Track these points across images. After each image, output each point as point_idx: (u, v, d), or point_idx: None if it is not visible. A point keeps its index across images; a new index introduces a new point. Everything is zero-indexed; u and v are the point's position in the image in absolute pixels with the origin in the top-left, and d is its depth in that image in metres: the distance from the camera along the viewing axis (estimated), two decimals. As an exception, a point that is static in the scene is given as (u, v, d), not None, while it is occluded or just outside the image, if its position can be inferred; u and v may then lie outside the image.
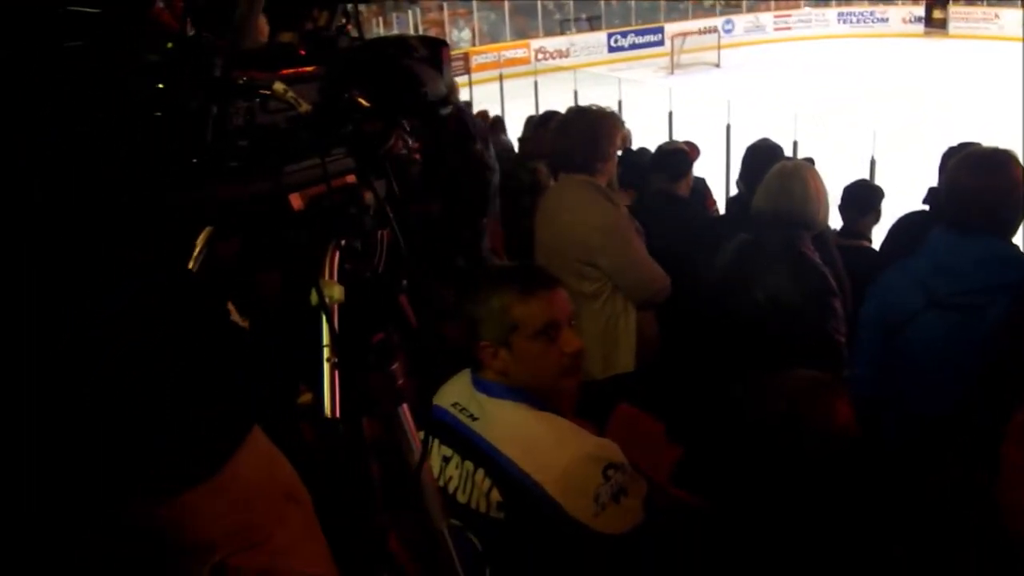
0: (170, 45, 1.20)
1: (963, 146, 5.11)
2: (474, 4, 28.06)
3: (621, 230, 4.31)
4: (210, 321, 0.84)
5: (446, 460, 2.38)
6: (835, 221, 5.45)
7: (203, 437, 0.90)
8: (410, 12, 25.47)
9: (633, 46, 30.02)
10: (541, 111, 13.54)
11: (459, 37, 27.34)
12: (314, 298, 1.25)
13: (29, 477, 0.84)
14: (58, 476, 0.84)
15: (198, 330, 0.85)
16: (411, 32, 25.52)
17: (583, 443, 2.31)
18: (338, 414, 1.30)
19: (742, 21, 33.00)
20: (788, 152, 7.25)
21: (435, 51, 1.49)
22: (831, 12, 35.10)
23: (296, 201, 1.27)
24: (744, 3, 33.91)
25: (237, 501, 0.92)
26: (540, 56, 27.74)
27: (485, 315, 2.41)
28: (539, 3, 29.46)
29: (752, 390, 2.76)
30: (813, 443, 2.46)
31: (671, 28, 29.97)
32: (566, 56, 28.16)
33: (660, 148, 6.54)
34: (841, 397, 2.56)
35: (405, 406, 1.50)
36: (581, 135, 4.32)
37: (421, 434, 1.54)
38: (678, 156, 6.13)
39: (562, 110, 6.37)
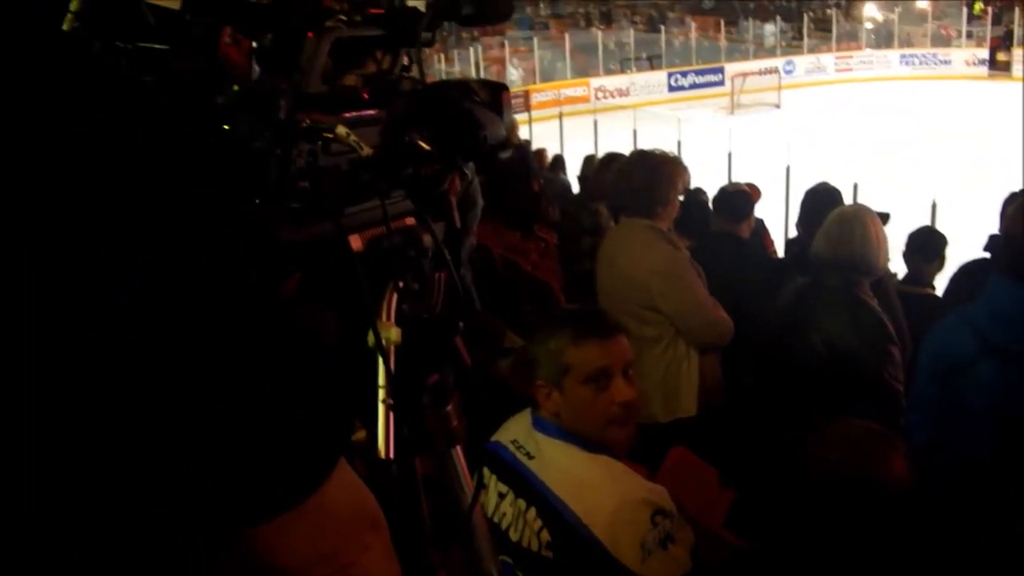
0: (236, 88, 1.22)
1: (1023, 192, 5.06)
2: (535, 42, 28.22)
3: (682, 274, 4.30)
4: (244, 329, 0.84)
5: (501, 496, 2.39)
6: (899, 267, 5.41)
7: (298, 462, 0.92)
8: (471, 49, 25.69)
9: (693, 86, 30.01)
10: (600, 150, 13.56)
11: (519, 74, 27.49)
12: (371, 339, 1.26)
13: (29, 477, 0.84)
14: (57, 477, 0.84)
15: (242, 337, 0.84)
16: (472, 68, 25.72)
17: (633, 488, 2.31)
18: (392, 455, 1.30)
19: (803, 62, 32.90)
20: (848, 194, 7.20)
21: (496, 95, 1.50)
22: (893, 54, 34.91)
23: (356, 242, 1.28)
24: (805, 44, 33.82)
25: (327, 526, 0.95)
26: (600, 95, 27.79)
27: (542, 355, 2.43)
28: (600, 42, 29.57)
29: (807, 437, 2.74)
30: (866, 494, 2.44)
31: (731, 68, 29.93)
32: (626, 95, 28.19)
33: (723, 189, 6.51)
34: (896, 448, 2.53)
35: (459, 447, 1.51)
36: (643, 179, 4.33)
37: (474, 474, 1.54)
38: (741, 198, 6.10)
39: (621, 149, 6.40)
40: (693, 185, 8.50)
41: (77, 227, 0.81)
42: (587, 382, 2.41)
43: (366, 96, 1.34)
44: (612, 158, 6.45)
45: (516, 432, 2.49)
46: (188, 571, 0.88)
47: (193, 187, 0.83)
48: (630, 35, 31.10)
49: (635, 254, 4.34)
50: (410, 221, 1.39)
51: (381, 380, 1.29)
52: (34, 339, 0.80)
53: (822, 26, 34.87)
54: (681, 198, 4.55)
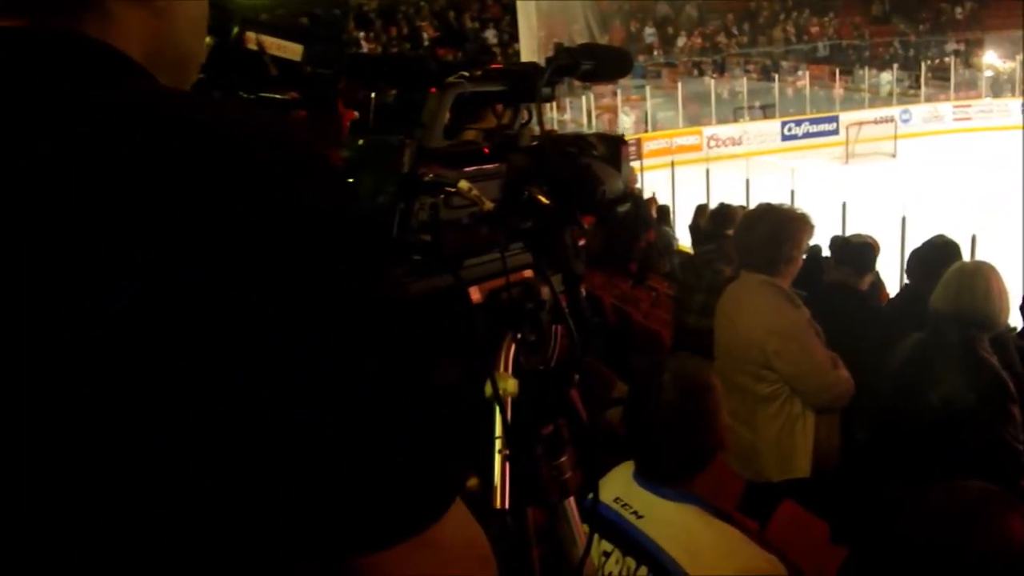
0: (361, 142, 1.25)
1: None
2: (647, 90, 28.25)
3: (800, 335, 4.20)
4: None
5: (606, 555, 2.38)
6: (1016, 322, 5.27)
7: (420, 489, 0.89)
8: (584, 98, 25.81)
9: (807, 135, 29.70)
10: (712, 199, 13.50)
11: (631, 123, 27.52)
12: (489, 390, 1.27)
13: (28, 478, 0.83)
14: (57, 477, 0.83)
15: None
16: (584, 117, 25.84)
17: (750, 556, 2.29)
18: (507, 505, 1.31)
19: (920, 111, 32.37)
20: (966, 245, 7.05)
21: (614, 149, 1.52)
22: (1014, 103, 34.11)
23: (475, 294, 1.30)
24: (922, 92, 33.31)
25: (443, 558, 0.91)
26: (712, 143, 27.69)
27: (718, 408, 2.47)
28: (712, 90, 29.49)
29: (922, 498, 2.68)
30: (984, 557, 2.37)
31: (846, 117, 29.57)
32: (739, 144, 28.03)
33: (845, 240, 6.39)
34: (1016, 510, 2.46)
35: (571, 499, 1.51)
36: (768, 233, 4.23)
37: (585, 527, 1.54)
38: (865, 250, 5.96)
39: (733, 199, 6.37)
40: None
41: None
42: None
43: (487, 151, 1.36)
44: (726, 211, 6.41)
45: (617, 490, 2.47)
46: (189, 572, 0.86)
47: (195, 188, 0.82)
48: (743, 84, 30.97)
49: (753, 311, 4.26)
50: (528, 273, 1.40)
51: (497, 431, 1.30)
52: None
53: (940, 74, 34.32)
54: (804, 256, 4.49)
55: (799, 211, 4.44)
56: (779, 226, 4.25)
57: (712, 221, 6.43)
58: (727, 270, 5.75)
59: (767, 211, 4.40)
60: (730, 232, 5.99)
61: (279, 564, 0.86)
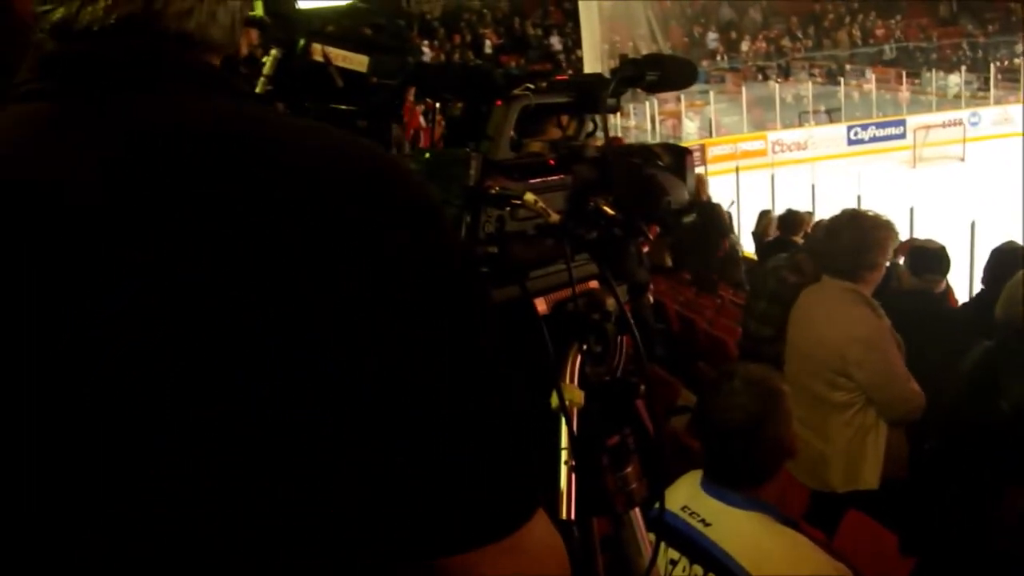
0: (427, 155, 1.26)
1: None
2: (711, 95, 28.11)
3: (882, 344, 4.16)
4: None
5: (673, 563, 2.37)
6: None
7: (508, 492, 0.89)
8: (647, 103, 25.74)
9: (873, 139, 29.33)
10: (778, 205, 13.38)
11: (695, 128, 27.40)
12: (555, 401, 1.28)
13: (28, 478, 0.84)
14: (57, 477, 0.84)
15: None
16: (647, 123, 25.78)
17: (818, 565, 2.27)
18: (573, 516, 1.31)
19: (989, 114, 31.82)
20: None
21: (679, 159, 1.52)
22: (1088, 105, 33.55)
23: (541, 305, 1.30)
24: (992, 95, 32.79)
25: (527, 562, 0.91)
26: (777, 148, 27.47)
27: (788, 415, 2.46)
28: (777, 95, 29.27)
29: (994, 507, 2.65)
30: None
31: (914, 121, 29.18)
32: (804, 149, 27.76)
33: (917, 246, 6.31)
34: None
35: (637, 509, 1.51)
36: (853, 240, 4.20)
37: (651, 536, 1.53)
38: (938, 255, 5.89)
39: (799, 204, 6.32)
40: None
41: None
42: None
43: (552, 162, 1.37)
44: (794, 216, 6.35)
45: (684, 499, 2.46)
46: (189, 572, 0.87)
47: (193, 188, 0.83)
48: (808, 87, 30.70)
49: (835, 318, 4.21)
50: (594, 284, 1.41)
51: (563, 441, 1.30)
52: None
53: (1009, 76, 33.75)
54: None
55: (884, 218, 4.38)
56: (866, 233, 4.21)
57: (780, 227, 6.37)
58: (792, 277, 5.70)
59: (853, 217, 4.35)
60: (797, 238, 5.94)
61: (298, 564, 0.86)
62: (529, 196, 1.21)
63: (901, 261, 6.12)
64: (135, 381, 0.80)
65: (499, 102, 1.31)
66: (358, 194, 0.85)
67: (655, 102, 25.98)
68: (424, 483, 0.85)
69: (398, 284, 0.85)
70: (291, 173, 0.85)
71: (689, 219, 1.47)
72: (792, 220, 6.25)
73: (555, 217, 1.22)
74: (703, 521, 2.37)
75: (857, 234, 4.20)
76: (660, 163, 1.48)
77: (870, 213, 4.40)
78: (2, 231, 0.84)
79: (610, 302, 1.38)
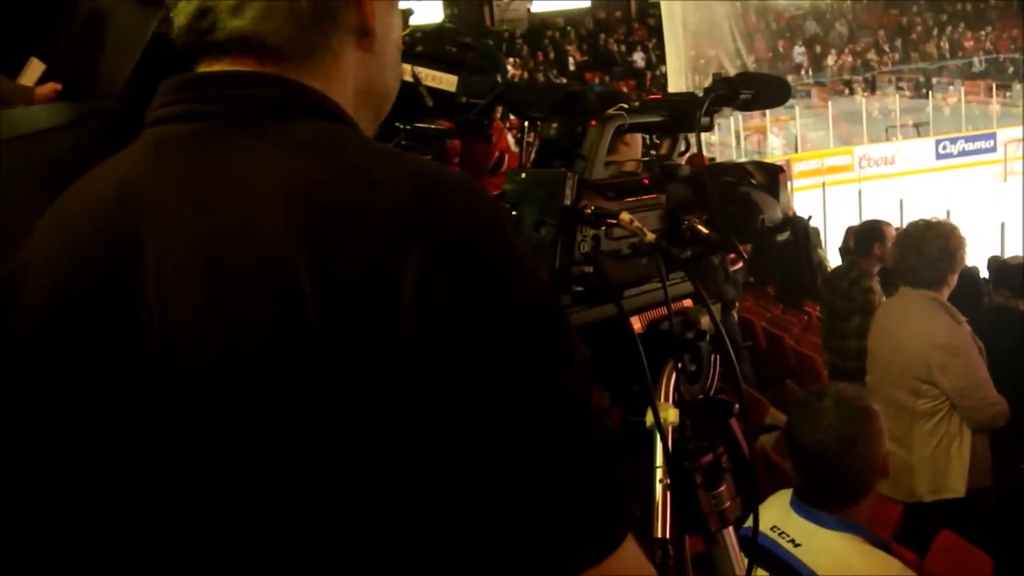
0: (523, 175, 1.28)
1: None
2: (796, 110, 27.83)
3: (965, 349, 4.20)
4: None
5: (762, 583, 2.35)
6: None
7: (598, 519, 0.90)
8: (731, 119, 25.57)
9: (962, 153, 28.75)
10: (864, 220, 13.18)
11: (780, 144, 27.14)
12: (650, 420, 1.28)
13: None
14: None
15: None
16: (732, 138, 25.59)
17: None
18: (667, 535, 1.32)
19: (1084, 127, 31.13)
20: None
21: (772, 177, 1.51)
22: None
23: (636, 324, 1.31)
24: (1086, 107, 32.06)
25: None
26: (864, 163, 27.11)
27: (880, 433, 2.44)
28: (863, 109, 28.90)
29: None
30: None
31: (1004, 134, 28.59)
32: (891, 163, 27.34)
33: (1002, 262, 6.23)
34: None
35: (730, 529, 1.50)
36: (935, 248, 4.25)
37: (743, 556, 1.53)
38: (1017, 272, 5.83)
39: (886, 219, 6.21)
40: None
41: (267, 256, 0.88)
42: None
43: (646, 181, 1.38)
44: (875, 227, 6.24)
45: (774, 519, 2.44)
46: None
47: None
48: (895, 101, 30.28)
49: (916, 326, 4.27)
50: (688, 303, 1.41)
51: (658, 460, 1.30)
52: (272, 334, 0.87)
53: (1105, 88, 32.97)
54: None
55: (952, 225, 4.45)
56: (946, 240, 4.27)
57: (858, 238, 6.26)
58: (876, 287, 5.66)
59: (928, 228, 4.38)
60: (877, 248, 5.89)
61: None
62: (624, 215, 1.21)
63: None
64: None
65: (594, 122, 1.32)
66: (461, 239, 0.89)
67: (740, 117, 25.76)
68: (515, 514, 0.87)
69: (497, 330, 0.87)
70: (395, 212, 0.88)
71: (783, 237, 1.46)
72: (876, 229, 6.11)
73: (650, 236, 1.22)
74: (792, 541, 2.35)
75: (935, 243, 4.26)
76: (753, 181, 1.48)
77: (941, 221, 4.47)
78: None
79: (704, 320, 1.38)
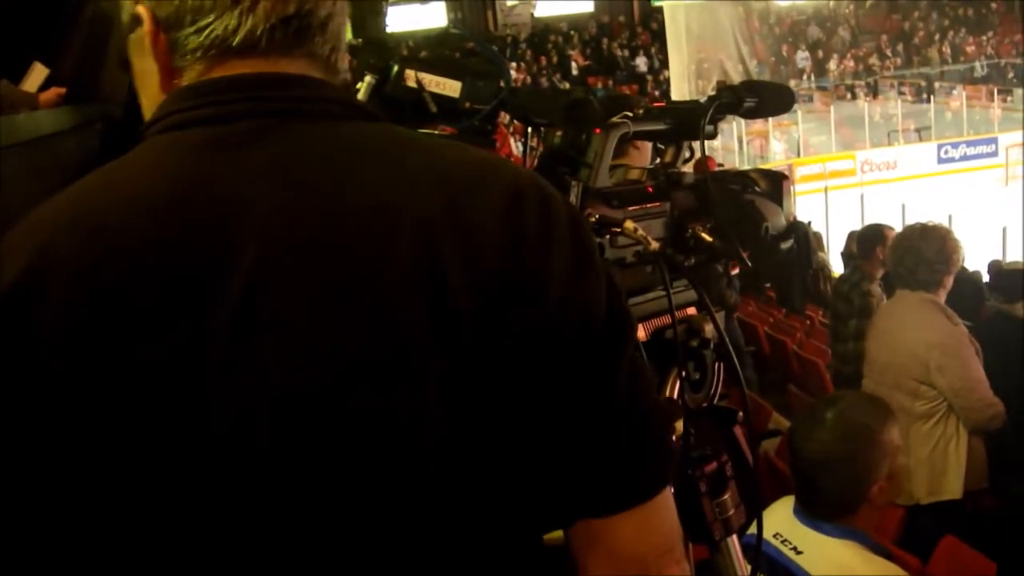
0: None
1: None
2: (799, 115, 27.81)
3: (962, 350, 4.22)
4: None
5: (766, 590, 2.35)
6: None
7: (645, 466, 1.01)
8: (734, 124, 25.56)
9: (964, 157, 28.69)
10: (866, 224, 13.17)
11: (782, 148, 27.11)
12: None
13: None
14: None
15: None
16: (734, 143, 25.59)
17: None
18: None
19: (1087, 132, 31.06)
20: None
21: (776, 184, 1.51)
22: None
23: (640, 332, 1.31)
24: (1090, 111, 32.00)
25: (653, 542, 1.02)
26: (866, 168, 27.07)
27: (880, 454, 2.41)
28: (866, 114, 28.87)
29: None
30: None
31: (1006, 139, 28.54)
32: (893, 168, 27.30)
33: (998, 267, 6.25)
34: None
35: (734, 537, 1.50)
36: (932, 251, 4.28)
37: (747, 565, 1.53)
38: (1017, 277, 5.84)
39: (888, 223, 6.20)
40: (968, 262, 8.22)
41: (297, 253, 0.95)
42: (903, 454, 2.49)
43: (650, 189, 1.38)
44: (877, 231, 6.25)
45: (777, 525, 2.43)
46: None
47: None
48: (897, 106, 30.22)
49: (913, 328, 4.29)
50: (692, 311, 1.41)
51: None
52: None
53: (1108, 93, 32.92)
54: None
55: (948, 228, 4.52)
56: (943, 242, 4.30)
57: (860, 242, 6.26)
58: (875, 290, 5.67)
59: (924, 231, 4.41)
60: (879, 252, 5.90)
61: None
62: (629, 224, 1.22)
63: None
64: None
65: (598, 130, 1.32)
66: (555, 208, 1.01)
67: (742, 123, 25.76)
68: (580, 455, 0.98)
69: (600, 290, 1.00)
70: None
71: (787, 245, 1.46)
72: (878, 233, 6.12)
73: (654, 244, 1.22)
74: (795, 549, 2.34)
75: (932, 246, 4.29)
76: (757, 189, 1.48)
77: (937, 224, 4.50)
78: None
79: (708, 328, 1.38)
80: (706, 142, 1.44)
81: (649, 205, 1.35)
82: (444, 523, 0.96)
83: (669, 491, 1.02)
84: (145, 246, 0.92)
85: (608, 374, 0.98)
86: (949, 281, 4.32)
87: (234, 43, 0.99)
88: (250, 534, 0.92)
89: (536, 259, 0.95)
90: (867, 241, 6.17)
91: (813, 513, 2.40)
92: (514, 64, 28.04)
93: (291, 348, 0.90)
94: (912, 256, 4.33)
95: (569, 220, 1.00)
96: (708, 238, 1.35)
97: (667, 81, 27.41)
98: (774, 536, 2.38)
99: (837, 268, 11.88)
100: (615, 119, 1.34)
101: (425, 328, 0.91)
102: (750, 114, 1.47)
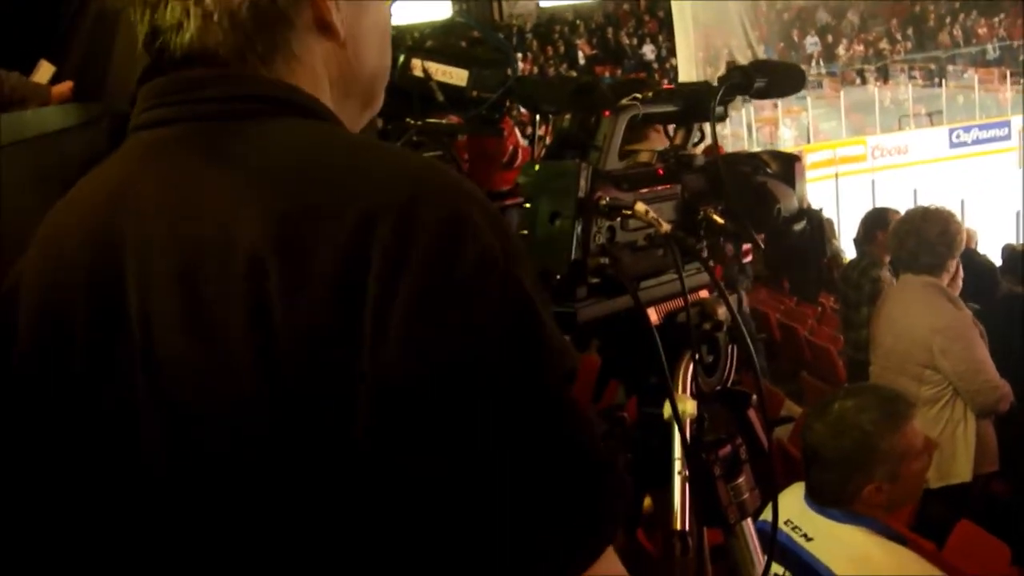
0: (537, 168, 1.27)
1: None
2: (808, 101, 27.72)
3: (966, 333, 4.22)
4: None
5: (776, 578, 2.34)
6: None
7: (567, 533, 0.85)
8: (743, 111, 25.50)
9: (976, 141, 28.59)
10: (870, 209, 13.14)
11: (792, 135, 27.03)
12: (667, 411, 1.28)
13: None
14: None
15: None
16: (744, 130, 25.54)
17: (924, 578, 2.23)
18: (687, 527, 1.31)
19: (1099, 113, 30.90)
20: None
21: (788, 166, 1.50)
22: None
23: (652, 316, 1.30)
24: (1102, 93, 31.82)
25: None
26: (877, 153, 26.99)
27: (876, 458, 2.39)
28: (876, 99, 28.77)
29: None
30: None
31: (1018, 122, 28.40)
32: (904, 153, 27.23)
33: (1011, 249, 6.23)
34: None
35: (749, 520, 1.49)
36: (933, 234, 4.28)
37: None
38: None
39: (900, 209, 6.18)
40: (982, 246, 8.19)
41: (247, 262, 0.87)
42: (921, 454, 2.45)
43: (660, 172, 1.37)
44: (883, 214, 6.23)
45: (788, 512, 2.42)
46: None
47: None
48: (908, 91, 30.12)
49: (917, 312, 4.31)
50: (704, 294, 1.40)
51: (677, 452, 1.30)
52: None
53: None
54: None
55: (950, 211, 4.49)
56: (945, 225, 4.30)
57: (863, 227, 6.25)
58: (885, 275, 5.65)
59: (926, 214, 4.43)
60: (880, 236, 5.89)
61: None
62: (640, 206, 1.20)
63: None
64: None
65: (607, 113, 1.31)
66: (431, 237, 0.85)
67: (751, 109, 25.68)
68: (475, 524, 0.83)
69: (468, 333, 0.84)
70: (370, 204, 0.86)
71: (799, 227, 1.45)
72: (880, 217, 6.10)
73: (666, 227, 1.21)
74: (805, 536, 2.34)
75: (939, 229, 4.29)
76: (769, 171, 1.47)
77: (939, 208, 4.49)
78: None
79: (721, 311, 1.37)
80: (716, 136, 1.43)
81: (660, 188, 1.34)
82: None
83: (606, 557, 0.86)
84: (74, 260, 0.95)
85: (490, 428, 0.83)
86: (952, 265, 4.31)
87: None
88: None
89: (375, 296, 0.82)
90: (869, 225, 6.18)
91: (818, 499, 2.40)
92: (520, 55, 28.02)
93: (169, 387, 0.89)
94: (913, 239, 4.33)
95: (449, 249, 0.84)
96: (720, 220, 1.34)
97: (675, 69, 27.34)
98: (785, 523, 2.38)
99: (850, 255, 11.86)
100: (624, 101, 1.33)
101: (253, 377, 0.84)
102: (760, 94, 1.46)
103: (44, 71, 3.21)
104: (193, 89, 0.96)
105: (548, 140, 1.48)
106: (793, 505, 2.43)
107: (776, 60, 1.51)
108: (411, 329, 0.82)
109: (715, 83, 1.44)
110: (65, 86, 3.13)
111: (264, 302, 0.83)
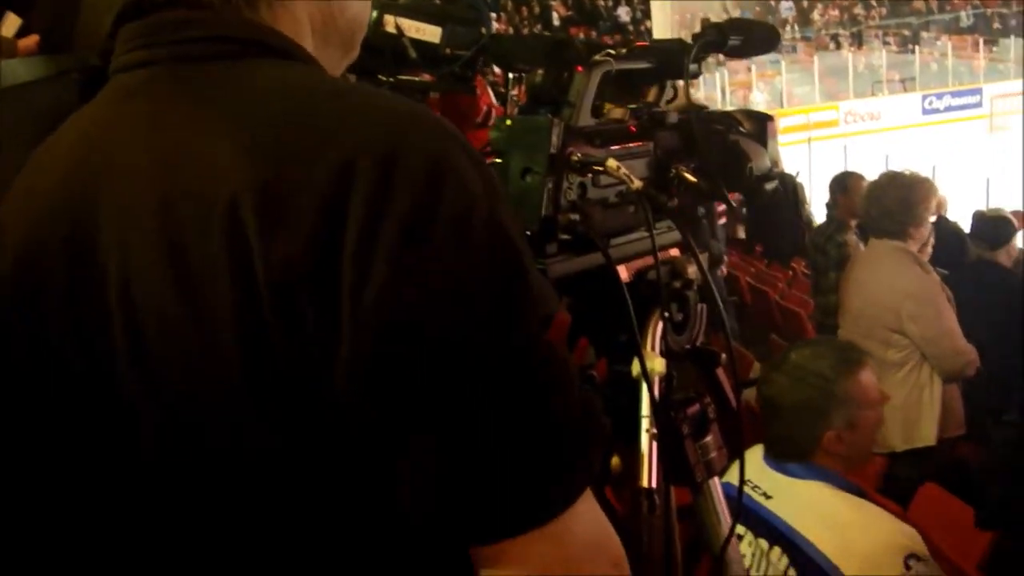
0: (509, 123, 1.26)
1: None
2: (782, 65, 27.73)
3: (934, 298, 4.25)
4: None
5: (739, 538, 2.35)
6: None
7: (544, 477, 0.85)
8: (717, 74, 25.45)
9: (949, 108, 28.72)
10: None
11: (765, 99, 27.04)
12: (636, 369, 1.27)
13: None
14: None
15: None
16: (717, 93, 25.53)
17: (887, 530, 2.24)
18: (654, 484, 1.31)
19: (1071, 82, 31.02)
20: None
21: (761, 126, 1.50)
22: None
23: (623, 273, 1.30)
24: (1074, 62, 31.94)
25: (568, 554, 0.86)
26: (849, 119, 27.07)
27: (834, 403, 2.40)
28: (850, 64, 28.81)
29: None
30: None
31: (991, 89, 28.54)
32: (877, 119, 27.33)
33: (980, 215, 6.27)
34: None
35: (716, 479, 1.50)
36: (894, 200, 4.30)
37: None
38: (999, 224, 5.87)
39: (872, 175, 6.22)
40: (952, 213, 8.24)
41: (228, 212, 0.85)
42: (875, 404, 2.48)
43: (633, 129, 1.36)
44: (847, 177, 6.29)
45: (748, 472, 2.44)
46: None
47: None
48: (882, 56, 30.16)
49: (885, 276, 4.33)
50: (675, 252, 1.40)
51: (645, 410, 1.30)
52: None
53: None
54: (933, 219, 4.57)
55: (923, 176, 4.53)
56: (908, 191, 4.32)
57: (829, 191, 6.30)
58: (851, 239, 5.69)
59: (893, 178, 4.47)
60: (841, 199, 5.94)
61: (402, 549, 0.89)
62: (611, 162, 1.20)
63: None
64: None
65: (580, 68, 1.30)
66: (413, 180, 0.83)
67: (725, 72, 25.68)
68: (456, 469, 0.84)
69: (448, 280, 0.83)
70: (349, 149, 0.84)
71: (771, 186, 1.45)
72: (843, 182, 6.16)
73: (637, 184, 1.21)
74: (764, 494, 2.36)
75: (901, 194, 4.32)
76: (742, 129, 1.46)
77: (908, 172, 4.52)
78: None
79: (691, 270, 1.37)
80: (689, 94, 1.42)
81: (632, 144, 1.34)
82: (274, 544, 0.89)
83: (581, 507, 0.87)
84: (51, 208, 0.94)
85: (474, 375, 0.83)
86: (916, 232, 4.31)
87: None
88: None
89: (356, 241, 0.81)
90: (832, 189, 6.23)
91: (777, 454, 2.42)
92: (495, 15, 27.80)
93: (149, 348, 0.88)
94: (876, 205, 4.37)
95: (432, 193, 0.83)
96: (692, 178, 1.34)
97: (649, 32, 27.30)
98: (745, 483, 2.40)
99: (820, 219, 11.91)
100: (598, 57, 1.32)
101: (235, 331, 0.84)
102: (735, 52, 1.45)
103: (10, 23, 3.16)
104: (178, 30, 0.95)
105: (522, 101, 1.47)
106: (752, 465, 2.44)
107: (751, 19, 1.50)
108: (393, 273, 0.81)
109: (690, 41, 1.43)
110: (32, 39, 3.09)
111: (245, 253, 0.82)
